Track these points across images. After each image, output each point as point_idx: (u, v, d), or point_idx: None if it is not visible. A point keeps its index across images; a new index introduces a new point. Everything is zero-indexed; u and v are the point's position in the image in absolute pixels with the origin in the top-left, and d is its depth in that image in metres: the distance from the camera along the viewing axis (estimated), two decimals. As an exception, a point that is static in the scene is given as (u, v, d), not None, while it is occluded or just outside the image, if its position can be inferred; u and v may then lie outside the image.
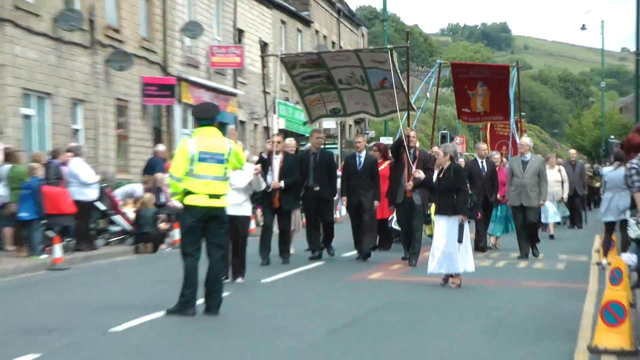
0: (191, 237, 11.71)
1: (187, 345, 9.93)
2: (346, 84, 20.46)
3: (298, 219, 19.44)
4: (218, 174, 11.68)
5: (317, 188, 18.76)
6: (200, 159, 11.58)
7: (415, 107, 21.37)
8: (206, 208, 11.61)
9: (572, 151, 33.33)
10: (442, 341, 10.26)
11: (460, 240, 14.33)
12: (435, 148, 20.60)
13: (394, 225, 20.36)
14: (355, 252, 19.52)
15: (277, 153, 18.06)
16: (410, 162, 17.76)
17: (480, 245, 20.82)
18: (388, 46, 20.60)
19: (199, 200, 11.61)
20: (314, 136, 19.50)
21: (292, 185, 18.19)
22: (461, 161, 21.15)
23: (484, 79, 23.98)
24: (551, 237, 25.80)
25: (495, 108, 24.07)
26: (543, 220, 26.27)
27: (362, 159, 19.17)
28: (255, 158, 18.75)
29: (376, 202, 19.03)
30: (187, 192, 11.65)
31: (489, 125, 30.83)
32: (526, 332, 10.87)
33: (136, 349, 9.68)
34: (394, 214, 19.52)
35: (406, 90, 19.58)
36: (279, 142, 18.19)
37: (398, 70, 19.48)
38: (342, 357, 9.39)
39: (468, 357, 9.45)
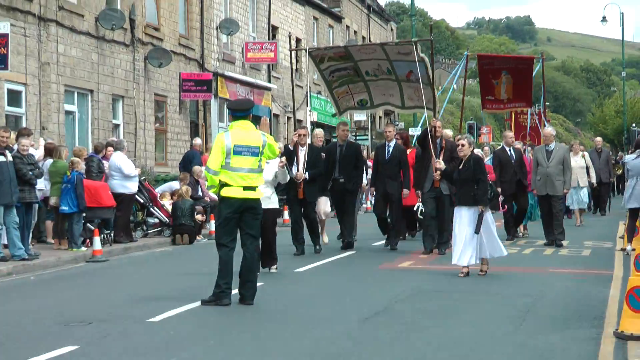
0: (226, 228, 11.91)
1: (222, 334, 10.12)
2: (373, 75, 20.63)
3: (322, 207, 19.64)
4: (253, 166, 11.90)
5: (342, 180, 18.95)
6: (236, 152, 11.80)
7: (439, 107, 21.35)
8: (241, 199, 11.83)
9: (598, 139, 32.92)
10: (472, 328, 10.38)
11: (477, 231, 14.42)
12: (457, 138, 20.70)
13: (420, 215, 20.45)
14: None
15: (302, 145, 18.29)
16: (437, 152, 17.80)
17: (509, 236, 20.96)
18: (413, 39, 20.66)
19: (234, 192, 11.83)
20: (340, 128, 19.61)
21: (317, 177, 18.42)
22: (486, 150, 21.22)
23: (508, 69, 24.22)
24: (578, 226, 25.91)
25: (518, 95, 24.24)
26: (569, 204, 26.34)
27: (391, 148, 19.21)
28: None
29: (406, 191, 19.06)
30: (223, 185, 11.87)
31: (513, 116, 30.95)
32: (553, 318, 10.98)
33: (173, 339, 9.82)
34: (420, 203, 19.64)
35: (432, 84, 19.66)
36: (304, 135, 18.41)
37: (426, 61, 19.53)
38: (374, 345, 9.51)
39: (497, 343, 9.54)
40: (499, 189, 20.31)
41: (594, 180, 27.71)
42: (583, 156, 27.21)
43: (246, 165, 11.85)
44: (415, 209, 20.66)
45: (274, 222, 15.38)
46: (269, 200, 14.75)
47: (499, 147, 22.41)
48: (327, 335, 10.02)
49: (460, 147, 15.05)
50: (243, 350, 9.26)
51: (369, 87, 21.08)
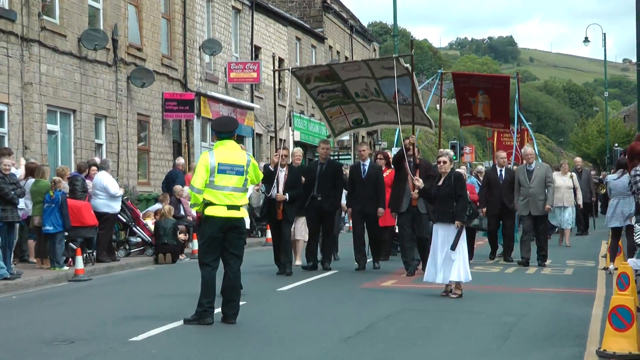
0: (210, 247, 11.89)
1: (204, 353, 10.10)
2: (363, 97, 20.32)
3: (299, 228, 19.55)
4: (237, 185, 11.89)
5: (320, 198, 18.75)
6: (220, 171, 11.79)
7: (433, 123, 21.00)
8: (225, 219, 11.81)
9: (578, 159, 32.44)
10: (454, 347, 10.41)
11: (453, 248, 14.24)
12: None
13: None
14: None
15: (282, 166, 18.21)
16: (412, 171, 17.48)
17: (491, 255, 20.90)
18: (394, 55, 20.34)
19: (218, 211, 11.81)
20: (321, 146, 19.43)
21: (296, 198, 18.32)
22: (462, 169, 21.02)
23: (484, 88, 23.97)
24: (567, 246, 25.71)
25: (495, 116, 23.91)
26: (555, 223, 25.93)
27: (367, 167, 19.04)
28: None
29: (381, 210, 18.85)
30: (207, 204, 11.85)
31: (496, 135, 30.84)
32: (536, 337, 11.01)
33: (155, 358, 9.83)
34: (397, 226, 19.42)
35: (418, 100, 19.43)
36: (285, 156, 18.35)
37: (413, 77, 19.04)
38: (356, 364, 9.50)
39: (479, 362, 9.56)
40: (484, 210, 20.28)
41: (580, 202, 27.17)
42: (571, 177, 26.84)
43: (230, 184, 11.83)
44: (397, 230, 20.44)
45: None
46: None
47: (492, 167, 22.08)
48: (309, 354, 10.03)
49: (441, 163, 14.84)
50: (226, 369, 9.27)
51: (361, 108, 20.78)
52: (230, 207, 11.81)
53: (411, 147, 18.00)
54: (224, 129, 12.10)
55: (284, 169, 18.26)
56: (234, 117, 36.67)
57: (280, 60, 42.42)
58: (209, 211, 11.85)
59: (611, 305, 9.81)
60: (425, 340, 10.89)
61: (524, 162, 20.57)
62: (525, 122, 25.62)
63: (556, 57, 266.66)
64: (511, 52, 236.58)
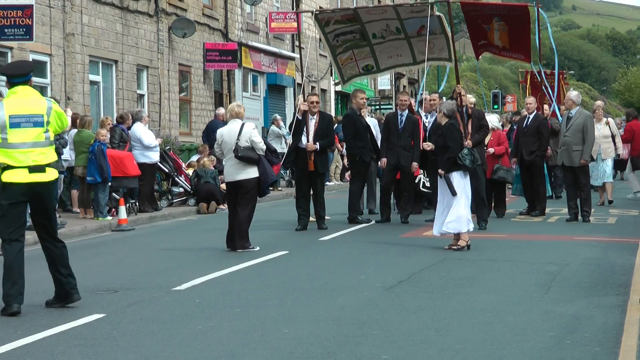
0: (9, 219, 9.80)
1: (247, 302, 10.12)
2: (380, 37, 19.33)
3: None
4: (38, 139, 9.78)
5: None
6: (13, 125, 9.69)
7: (454, 58, 19.76)
8: (27, 185, 9.73)
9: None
10: (497, 295, 10.37)
11: (453, 194, 13.77)
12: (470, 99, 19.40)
13: (422, 188, 19.36)
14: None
15: (312, 114, 17.48)
16: (464, 122, 16.80)
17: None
18: (429, 1, 19.45)
19: (18, 176, 9.71)
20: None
21: (327, 147, 17.74)
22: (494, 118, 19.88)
23: (500, 15, 21.83)
24: (610, 202, 23.02)
25: (515, 46, 20.92)
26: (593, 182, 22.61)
27: (404, 118, 18.35)
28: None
29: (415, 164, 18.13)
30: (4, 168, 9.73)
31: (529, 78, 28.94)
32: (579, 286, 10.93)
33: (198, 306, 9.86)
34: (421, 176, 19.07)
35: (449, 35, 18.57)
36: (317, 103, 17.68)
37: (442, 17, 18.32)
38: (398, 312, 9.50)
39: (522, 311, 9.52)
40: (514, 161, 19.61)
41: (620, 151, 24.23)
42: (607, 123, 23.77)
43: (28, 139, 9.73)
44: (417, 181, 19.44)
45: (253, 197, 14.41)
46: (244, 171, 14.23)
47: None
48: (352, 303, 10.03)
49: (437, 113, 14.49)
50: (269, 317, 9.29)
51: (374, 52, 19.74)
52: (32, 170, 9.69)
53: (458, 97, 17.21)
54: (16, 72, 9.98)
55: (315, 116, 17.53)
56: (274, 67, 36.59)
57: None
58: (7, 177, 9.68)
59: (655, 254, 9.75)
60: (468, 288, 10.87)
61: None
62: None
63: (599, 4, 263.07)
64: (553, 0, 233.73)
